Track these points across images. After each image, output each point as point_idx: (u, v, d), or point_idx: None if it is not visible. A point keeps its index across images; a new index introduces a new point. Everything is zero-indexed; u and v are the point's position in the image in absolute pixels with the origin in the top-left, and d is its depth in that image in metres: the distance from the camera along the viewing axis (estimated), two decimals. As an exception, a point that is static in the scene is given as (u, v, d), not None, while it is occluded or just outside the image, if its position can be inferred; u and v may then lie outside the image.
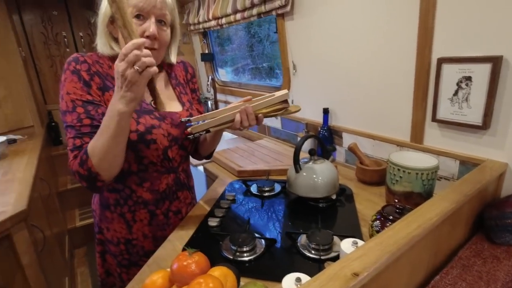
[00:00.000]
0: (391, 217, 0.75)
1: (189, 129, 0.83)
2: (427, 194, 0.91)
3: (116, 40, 0.81)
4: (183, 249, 0.65)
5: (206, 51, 2.40)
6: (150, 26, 0.75)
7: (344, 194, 1.08)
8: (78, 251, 2.47)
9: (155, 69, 0.60)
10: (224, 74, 2.35)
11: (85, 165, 0.69)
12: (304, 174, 0.99)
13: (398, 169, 0.91)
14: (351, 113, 1.33)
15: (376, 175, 1.15)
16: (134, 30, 0.63)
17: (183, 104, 0.93)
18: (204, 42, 2.36)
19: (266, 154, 1.46)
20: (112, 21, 0.79)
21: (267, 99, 0.83)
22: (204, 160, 1.19)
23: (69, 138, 0.73)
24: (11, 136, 1.90)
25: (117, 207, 0.85)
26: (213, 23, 1.96)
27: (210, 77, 2.27)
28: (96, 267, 0.98)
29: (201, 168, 1.55)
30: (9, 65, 2.06)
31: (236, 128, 0.83)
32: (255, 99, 0.84)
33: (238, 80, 2.28)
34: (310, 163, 1.00)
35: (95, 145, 0.68)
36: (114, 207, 0.86)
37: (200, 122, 0.83)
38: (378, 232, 0.74)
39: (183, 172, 0.96)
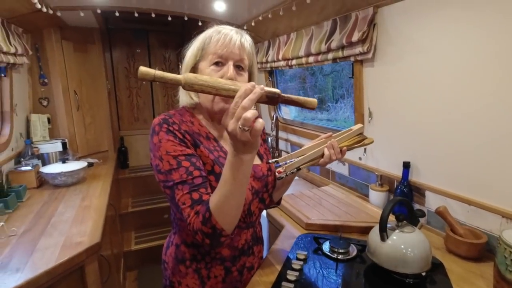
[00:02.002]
0: (520, 324, 0.59)
1: (281, 169, 0.83)
2: (559, 292, 0.72)
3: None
4: None
5: (271, 89, 2.43)
6: (228, 70, 0.74)
7: (434, 268, 0.91)
8: (130, 274, 2.51)
9: (262, 122, 0.54)
10: (288, 113, 2.34)
11: (208, 223, 0.64)
12: (390, 243, 0.86)
13: (518, 255, 0.75)
14: (439, 170, 1.17)
15: (474, 250, 0.97)
16: (230, 85, 0.60)
17: (261, 156, 0.91)
18: (269, 80, 2.41)
19: (335, 205, 1.35)
20: (192, 72, 0.78)
21: (346, 133, 0.89)
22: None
23: (184, 195, 0.68)
24: (89, 160, 2.08)
25: (193, 262, 0.82)
26: (282, 63, 1.99)
27: (274, 116, 2.27)
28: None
29: (263, 212, 1.49)
30: (97, 95, 2.32)
31: (325, 163, 0.85)
32: (334, 134, 0.89)
33: (300, 119, 2.25)
34: (397, 230, 0.88)
35: (218, 199, 0.64)
36: (190, 262, 0.82)
37: (288, 161, 0.84)
38: None
39: (258, 225, 0.93)
